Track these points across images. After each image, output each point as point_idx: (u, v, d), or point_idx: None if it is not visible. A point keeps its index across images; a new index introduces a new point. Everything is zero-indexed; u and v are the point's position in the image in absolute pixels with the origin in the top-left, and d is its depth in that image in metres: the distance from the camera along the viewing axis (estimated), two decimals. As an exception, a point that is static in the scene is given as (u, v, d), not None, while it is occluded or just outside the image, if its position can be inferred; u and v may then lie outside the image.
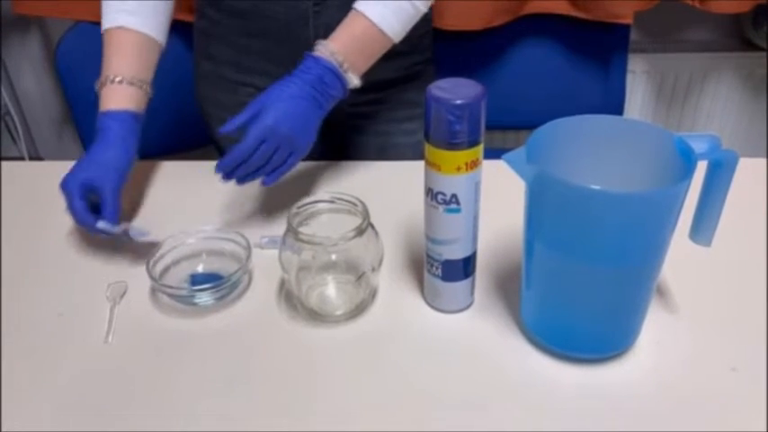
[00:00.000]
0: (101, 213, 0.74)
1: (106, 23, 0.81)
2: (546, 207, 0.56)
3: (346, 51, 0.75)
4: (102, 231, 0.73)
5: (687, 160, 0.54)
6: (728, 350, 0.62)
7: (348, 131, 1.01)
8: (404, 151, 0.99)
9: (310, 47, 0.76)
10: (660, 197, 0.53)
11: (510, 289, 0.70)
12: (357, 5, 0.78)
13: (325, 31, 0.77)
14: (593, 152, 0.61)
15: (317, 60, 0.74)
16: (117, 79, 0.78)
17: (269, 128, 0.71)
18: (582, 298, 0.59)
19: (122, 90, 0.79)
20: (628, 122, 0.61)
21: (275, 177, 0.76)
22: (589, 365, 0.61)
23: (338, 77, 0.75)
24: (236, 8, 0.88)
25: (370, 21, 0.77)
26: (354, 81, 0.77)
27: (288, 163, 0.75)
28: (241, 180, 0.74)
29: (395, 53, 0.82)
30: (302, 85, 0.73)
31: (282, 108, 0.72)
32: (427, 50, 1.00)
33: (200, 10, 0.94)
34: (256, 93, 0.74)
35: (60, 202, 0.73)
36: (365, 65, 0.79)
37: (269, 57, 0.90)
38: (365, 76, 0.78)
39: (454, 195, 0.59)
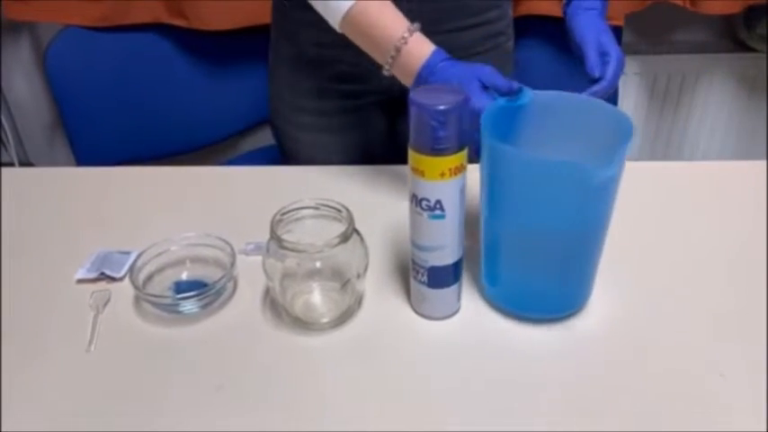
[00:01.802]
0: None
1: (343, 7, 0.77)
2: (493, 177, 0.60)
3: None
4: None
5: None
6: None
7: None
8: None
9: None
10: (591, 165, 0.54)
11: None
12: None
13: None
14: (543, 125, 0.65)
15: None
16: (408, 34, 0.74)
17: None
18: (533, 262, 0.63)
19: (420, 38, 0.75)
20: (571, 97, 0.66)
21: None
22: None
23: None
24: None
25: None
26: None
27: None
28: None
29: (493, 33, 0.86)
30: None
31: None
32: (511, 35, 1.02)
33: None
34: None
35: (51, 207, 0.71)
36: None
37: None
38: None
39: (438, 201, 0.59)
